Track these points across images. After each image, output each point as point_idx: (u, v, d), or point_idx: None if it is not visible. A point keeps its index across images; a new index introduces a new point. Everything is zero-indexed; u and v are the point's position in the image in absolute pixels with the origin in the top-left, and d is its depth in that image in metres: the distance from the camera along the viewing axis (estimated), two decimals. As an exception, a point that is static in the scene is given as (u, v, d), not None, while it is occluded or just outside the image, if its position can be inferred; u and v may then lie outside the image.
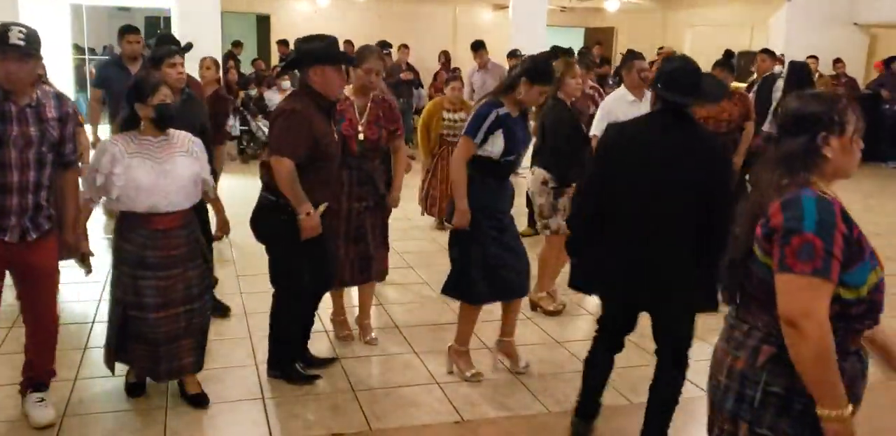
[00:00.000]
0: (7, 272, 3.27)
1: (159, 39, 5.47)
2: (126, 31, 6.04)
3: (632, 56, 5.72)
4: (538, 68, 3.71)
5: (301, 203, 3.48)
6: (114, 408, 3.57)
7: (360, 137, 4.03)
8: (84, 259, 3.46)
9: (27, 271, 3.25)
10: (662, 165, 2.95)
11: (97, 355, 4.16)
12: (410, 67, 12.15)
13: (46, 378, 3.46)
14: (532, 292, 4.88)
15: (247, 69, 13.39)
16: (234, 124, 11.00)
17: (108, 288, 5.22)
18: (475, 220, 3.72)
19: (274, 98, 10.35)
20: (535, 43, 9.56)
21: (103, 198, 3.36)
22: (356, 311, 4.58)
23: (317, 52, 3.52)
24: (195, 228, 3.48)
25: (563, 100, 4.70)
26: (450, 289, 3.93)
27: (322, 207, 3.64)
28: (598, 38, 17.32)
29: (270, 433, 3.40)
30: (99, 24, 15.41)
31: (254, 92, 11.35)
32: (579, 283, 3.37)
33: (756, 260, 1.94)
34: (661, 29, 17.62)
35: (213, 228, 4.02)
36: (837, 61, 11.46)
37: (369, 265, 4.24)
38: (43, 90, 3.14)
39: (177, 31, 9.00)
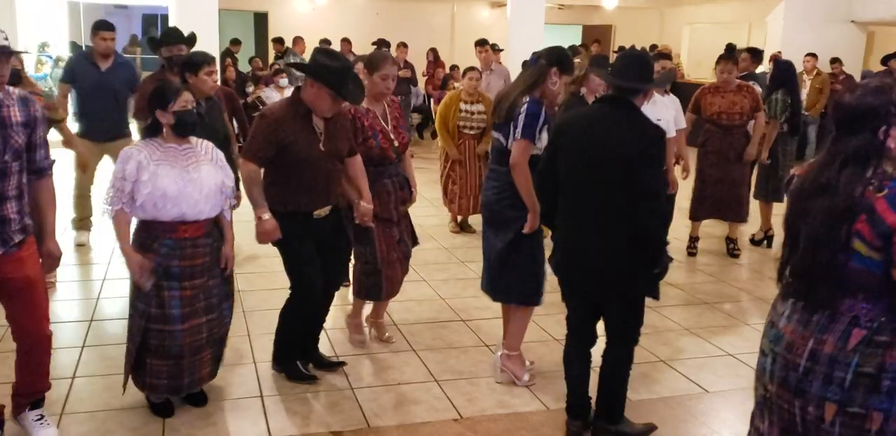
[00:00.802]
0: None
1: (165, 34, 5.25)
2: (99, 27, 5.83)
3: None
4: (566, 59, 3.72)
5: (257, 206, 3.49)
6: (112, 406, 3.57)
7: (396, 144, 4.07)
8: (143, 273, 3.23)
9: (4, 285, 2.97)
10: (595, 150, 3.03)
11: (95, 353, 4.17)
12: (408, 65, 12.14)
13: (42, 393, 3.27)
14: None
15: (244, 67, 13.36)
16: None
17: (106, 286, 5.24)
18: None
19: (272, 96, 10.34)
20: (532, 40, 9.56)
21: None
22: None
23: (326, 71, 3.45)
24: (217, 236, 3.43)
25: (584, 97, 4.60)
26: (530, 296, 3.83)
27: (323, 211, 3.65)
28: (596, 35, 17.32)
29: (269, 431, 3.41)
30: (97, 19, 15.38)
31: (251, 89, 11.35)
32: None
33: (856, 255, 1.99)
34: (659, 26, 17.64)
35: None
36: (834, 61, 11.46)
37: (408, 263, 4.31)
38: (6, 92, 2.88)
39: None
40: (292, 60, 11.85)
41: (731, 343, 4.54)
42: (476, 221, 6.81)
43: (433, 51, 13.70)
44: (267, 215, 3.49)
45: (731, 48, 11.42)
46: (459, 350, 4.35)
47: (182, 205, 3.17)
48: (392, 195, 4.08)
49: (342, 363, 4.05)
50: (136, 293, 3.29)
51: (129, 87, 5.83)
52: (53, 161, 3.09)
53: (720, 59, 6.32)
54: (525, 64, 7.07)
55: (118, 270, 5.56)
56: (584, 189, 3.08)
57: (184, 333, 3.28)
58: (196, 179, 3.20)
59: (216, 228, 3.42)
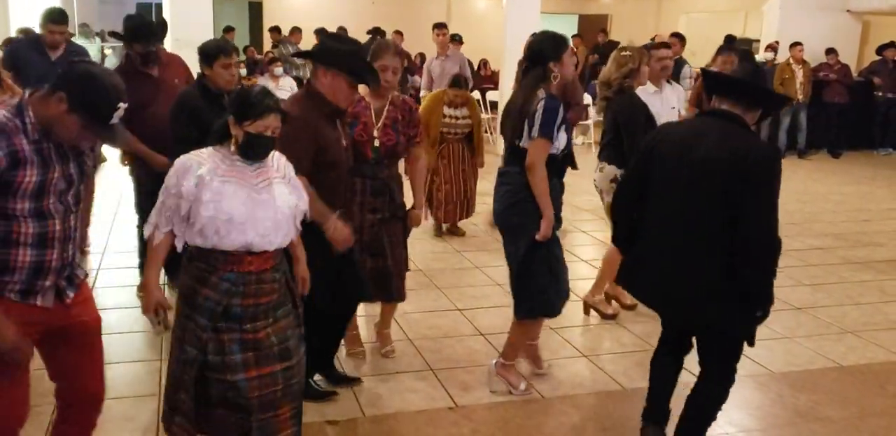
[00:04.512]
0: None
1: (135, 29, 4.53)
2: (49, 20, 5.19)
3: (650, 45, 5.69)
4: (553, 44, 3.50)
5: (326, 217, 3.14)
6: (107, 395, 3.56)
7: (376, 143, 3.68)
8: (157, 313, 2.76)
9: (67, 335, 2.53)
10: (702, 168, 2.76)
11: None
12: (403, 53, 12.07)
13: None
14: (588, 295, 4.75)
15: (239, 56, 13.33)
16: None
17: (101, 276, 5.24)
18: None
19: (266, 85, 10.31)
20: (529, 29, 9.51)
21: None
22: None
23: (339, 55, 3.19)
24: (286, 267, 2.83)
25: (632, 90, 4.43)
26: (529, 311, 3.60)
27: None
28: (592, 25, 17.29)
29: (265, 419, 3.41)
30: (90, 10, 15.30)
31: (243, 71, 11.32)
32: (622, 281, 3.20)
33: None
34: (655, 16, 17.59)
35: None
36: (830, 51, 11.48)
37: (388, 284, 3.84)
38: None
39: (168, 17, 8.94)
40: (289, 50, 11.79)
41: (725, 332, 4.56)
42: (464, 224, 6.73)
43: (420, 55, 12.98)
44: (339, 223, 3.19)
45: (730, 39, 11.43)
46: (455, 339, 4.36)
47: (249, 233, 2.59)
48: (357, 196, 3.65)
49: (357, 380, 3.79)
50: (184, 334, 2.68)
51: None
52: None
53: (721, 50, 6.25)
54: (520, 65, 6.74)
55: (113, 260, 5.55)
56: (686, 211, 2.79)
57: (250, 382, 2.65)
58: (268, 202, 2.62)
59: (284, 258, 2.83)
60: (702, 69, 3.26)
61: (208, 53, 3.92)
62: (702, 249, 2.77)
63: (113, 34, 4.88)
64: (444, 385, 3.78)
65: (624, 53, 4.47)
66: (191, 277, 2.67)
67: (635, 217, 3.01)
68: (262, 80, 10.63)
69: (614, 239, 3.24)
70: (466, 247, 6.16)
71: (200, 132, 3.61)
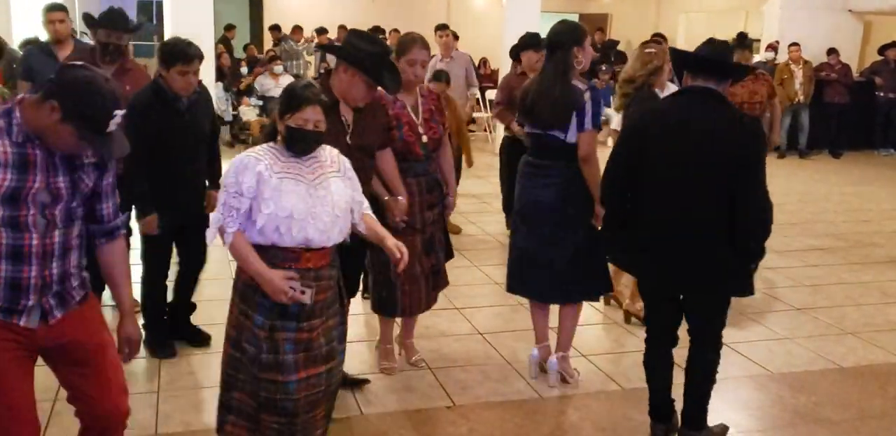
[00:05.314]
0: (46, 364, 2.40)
1: (106, 16, 4.34)
2: (47, 9, 5.11)
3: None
4: (578, 32, 3.55)
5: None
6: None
7: (424, 139, 3.67)
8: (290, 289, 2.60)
9: (63, 354, 2.38)
10: (695, 144, 2.92)
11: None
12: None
13: None
14: (629, 302, 4.68)
15: (239, 54, 13.30)
16: (226, 109, 10.97)
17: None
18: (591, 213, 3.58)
19: (266, 83, 10.31)
20: (528, 28, 9.51)
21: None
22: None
23: (363, 56, 3.14)
24: (338, 263, 2.84)
25: (653, 89, 4.38)
26: (608, 287, 3.81)
27: None
28: (592, 24, 17.27)
29: (262, 418, 3.41)
30: (91, 8, 15.27)
31: (244, 70, 11.29)
32: (614, 257, 3.37)
33: None
34: (655, 15, 17.58)
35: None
36: (831, 51, 11.46)
37: (438, 279, 3.87)
38: None
39: (168, 15, 8.93)
40: (291, 46, 11.78)
41: (724, 332, 4.54)
42: (462, 223, 6.79)
43: None
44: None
45: (743, 36, 11.41)
46: (453, 338, 4.36)
47: (309, 229, 2.58)
48: (416, 197, 3.66)
49: (365, 381, 3.75)
50: (241, 333, 2.67)
51: None
52: (128, 218, 2.55)
53: (736, 48, 6.25)
54: (515, 49, 6.65)
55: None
56: (683, 187, 2.94)
57: (299, 384, 2.64)
58: (325, 197, 2.62)
59: (338, 257, 2.82)
60: (671, 48, 3.33)
61: (166, 58, 3.69)
62: (708, 226, 2.93)
63: (86, 17, 4.75)
64: (441, 384, 3.77)
65: (648, 50, 4.40)
66: (249, 275, 2.63)
67: (628, 197, 3.10)
68: (262, 78, 10.64)
69: (604, 222, 3.27)
70: (463, 245, 6.15)
71: (149, 133, 3.56)
